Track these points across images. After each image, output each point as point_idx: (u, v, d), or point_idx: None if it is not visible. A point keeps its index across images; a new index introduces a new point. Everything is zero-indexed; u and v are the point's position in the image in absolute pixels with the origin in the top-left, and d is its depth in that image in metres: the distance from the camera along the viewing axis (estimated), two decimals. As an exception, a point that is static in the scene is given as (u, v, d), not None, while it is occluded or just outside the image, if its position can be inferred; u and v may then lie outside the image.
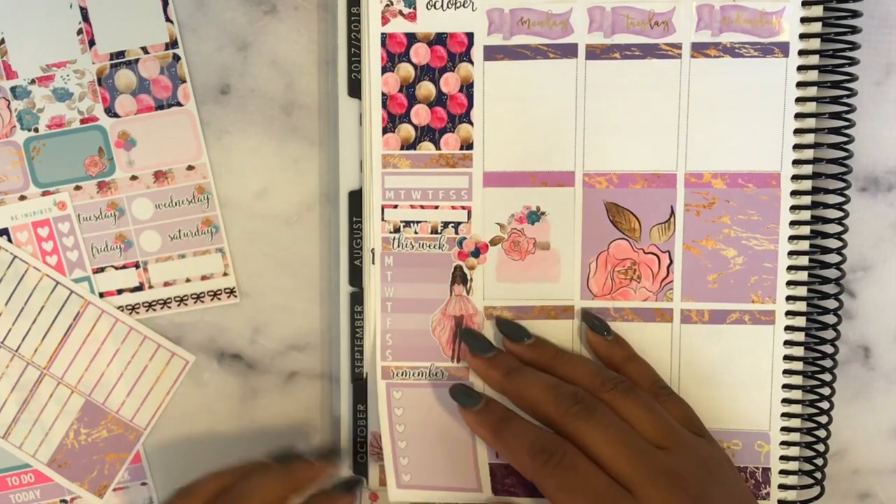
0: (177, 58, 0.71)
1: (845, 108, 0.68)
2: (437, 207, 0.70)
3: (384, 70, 0.69)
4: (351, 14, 0.69)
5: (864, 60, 0.69)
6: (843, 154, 0.68)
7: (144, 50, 0.71)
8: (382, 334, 0.71)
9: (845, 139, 0.68)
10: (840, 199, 0.69)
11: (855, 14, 0.67)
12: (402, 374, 0.71)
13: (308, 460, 0.68)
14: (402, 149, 0.69)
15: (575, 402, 0.64)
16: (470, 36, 0.68)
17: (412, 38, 0.68)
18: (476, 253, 0.70)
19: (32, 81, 0.71)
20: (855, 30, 0.67)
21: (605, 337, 0.69)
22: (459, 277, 0.70)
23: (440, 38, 0.68)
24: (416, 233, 0.70)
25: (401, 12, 0.68)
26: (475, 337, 0.70)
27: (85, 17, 0.70)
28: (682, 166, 0.69)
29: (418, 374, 0.71)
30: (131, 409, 0.74)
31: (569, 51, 0.68)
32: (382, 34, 0.68)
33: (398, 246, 0.70)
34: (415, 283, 0.70)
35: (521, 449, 0.64)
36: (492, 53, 0.68)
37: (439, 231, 0.70)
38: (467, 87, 0.69)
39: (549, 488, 0.63)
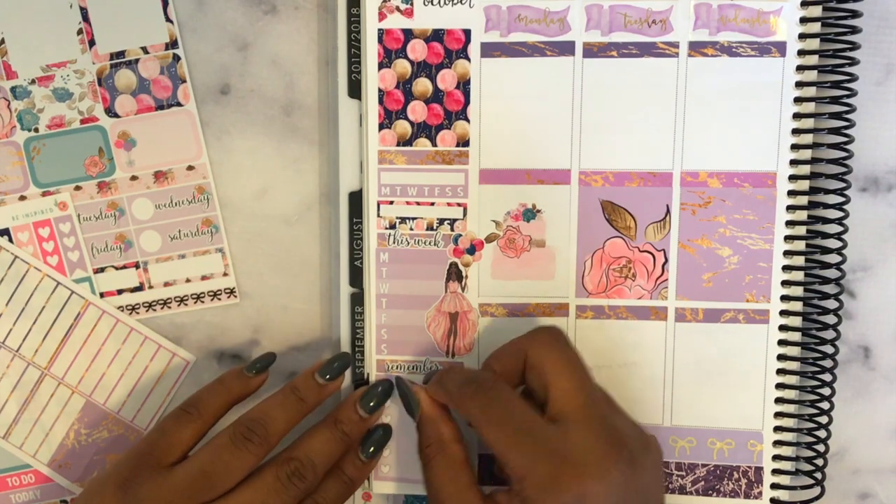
0: (177, 58, 0.71)
1: (845, 109, 0.68)
2: (432, 204, 0.70)
3: (381, 66, 0.69)
4: (351, 14, 0.69)
5: (864, 60, 0.69)
6: (843, 154, 0.68)
7: (144, 50, 0.71)
8: (378, 329, 0.71)
9: (845, 139, 0.68)
10: (840, 199, 0.69)
11: (855, 14, 0.67)
12: (397, 368, 0.71)
13: (317, 382, 0.68)
14: (398, 145, 0.69)
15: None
16: (467, 33, 0.68)
17: (409, 34, 0.68)
18: (471, 250, 0.70)
19: (32, 81, 0.71)
20: (855, 30, 0.67)
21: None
22: (455, 274, 0.70)
23: (437, 35, 0.68)
24: (411, 229, 0.70)
25: (398, 8, 0.68)
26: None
27: (85, 17, 0.71)
28: (678, 165, 0.69)
29: (412, 369, 0.71)
30: (132, 409, 0.74)
31: (566, 48, 0.68)
32: (379, 30, 0.68)
33: (393, 242, 0.70)
34: (410, 280, 0.70)
35: (452, 385, 0.65)
36: (489, 50, 0.68)
37: (435, 228, 0.70)
38: (464, 84, 0.69)
39: (472, 410, 0.63)
